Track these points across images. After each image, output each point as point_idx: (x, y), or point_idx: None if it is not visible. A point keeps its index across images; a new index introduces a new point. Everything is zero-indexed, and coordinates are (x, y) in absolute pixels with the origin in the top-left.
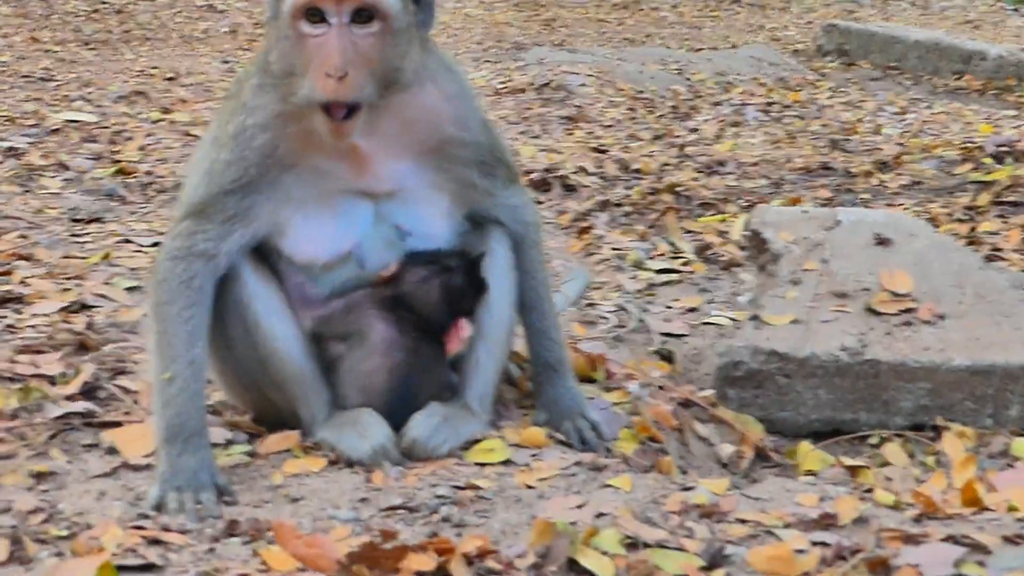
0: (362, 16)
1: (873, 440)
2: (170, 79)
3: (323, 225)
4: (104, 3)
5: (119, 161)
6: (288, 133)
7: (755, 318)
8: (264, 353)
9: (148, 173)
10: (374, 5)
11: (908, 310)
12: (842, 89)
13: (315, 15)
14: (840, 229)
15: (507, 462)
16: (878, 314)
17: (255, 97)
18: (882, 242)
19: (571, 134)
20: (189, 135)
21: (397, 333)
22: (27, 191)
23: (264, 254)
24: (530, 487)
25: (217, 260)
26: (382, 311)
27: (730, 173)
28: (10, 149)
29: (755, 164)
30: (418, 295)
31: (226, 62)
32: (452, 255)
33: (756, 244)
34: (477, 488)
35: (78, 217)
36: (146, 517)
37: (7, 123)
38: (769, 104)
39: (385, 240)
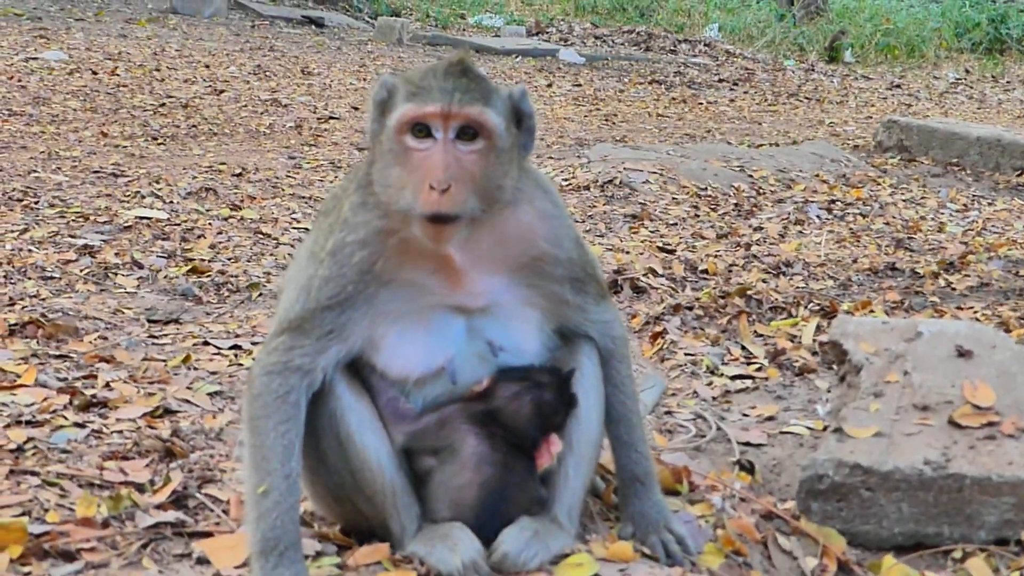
0: (467, 133)
1: (956, 554)
2: (238, 175)
3: (417, 341)
4: (171, 97)
5: (191, 259)
6: (387, 249)
7: (838, 430)
8: (356, 466)
9: (221, 272)
10: (480, 123)
11: (991, 423)
12: (903, 186)
13: (421, 130)
14: (921, 341)
15: None
16: (961, 427)
17: (355, 214)
18: (964, 354)
19: (636, 232)
20: (260, 232)
21: (489, 448)
22: (103, 290)
23: (357, 368)
24: None
25: (313, 375)
26: (474, 426)
27: (797, 274)
28: (85, 246)
29: (821, 264)
30: (510, 410)
31: (292, 158)
32: (544, 371)
33: (836, 355)
34: None
35: (155, 318)
36: None
37: (81, 219)
38: (831, 201)
39: (477, 355)
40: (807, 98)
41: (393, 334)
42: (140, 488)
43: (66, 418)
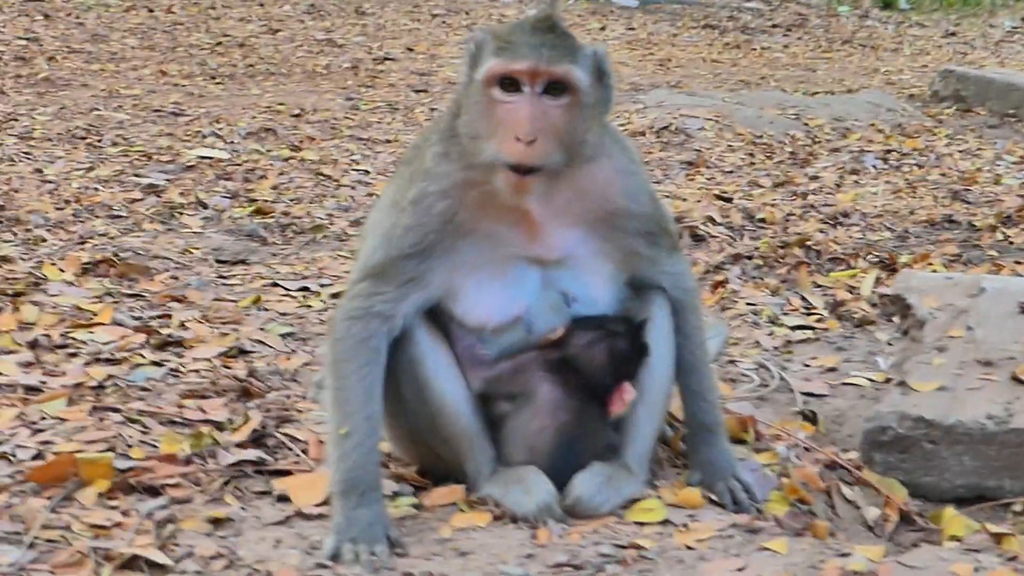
0: (555, 88)
1: (1017, 507)
2: (296, 115)
3: (494, 291)
4: (227, 36)
5: (255, 200)
6: (468, 200)
7: (902, 383)
8: (434, 409)
9: (285, 214)
10: (568, 79)
11: None
12: (959, 136)
13: (509, 84)
14: (984, 297)
15: (665, 522)
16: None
17: (437, 164)
18: None
19: (692, 179)
20: (320, 174)
21: (563, 394)
22: (170, 229)
23: (435, 315)
24: (690, 548)
25: (394, 321)
26: (549, 373)
27: (854, 225)
28: (150, 186)
29: (879, 216)
30: (584, 358)
31: (350, 99)
32: (617, 320)
33: (900, 309)
34: (639, 547)
35: (223, 258)
36: (323, 567)
37: (144, 158)
38: (887, 151)
39: (552, 305)
40: (861, 45)
41: (471, 284)
42: (219, 426)
43: (143, 356)
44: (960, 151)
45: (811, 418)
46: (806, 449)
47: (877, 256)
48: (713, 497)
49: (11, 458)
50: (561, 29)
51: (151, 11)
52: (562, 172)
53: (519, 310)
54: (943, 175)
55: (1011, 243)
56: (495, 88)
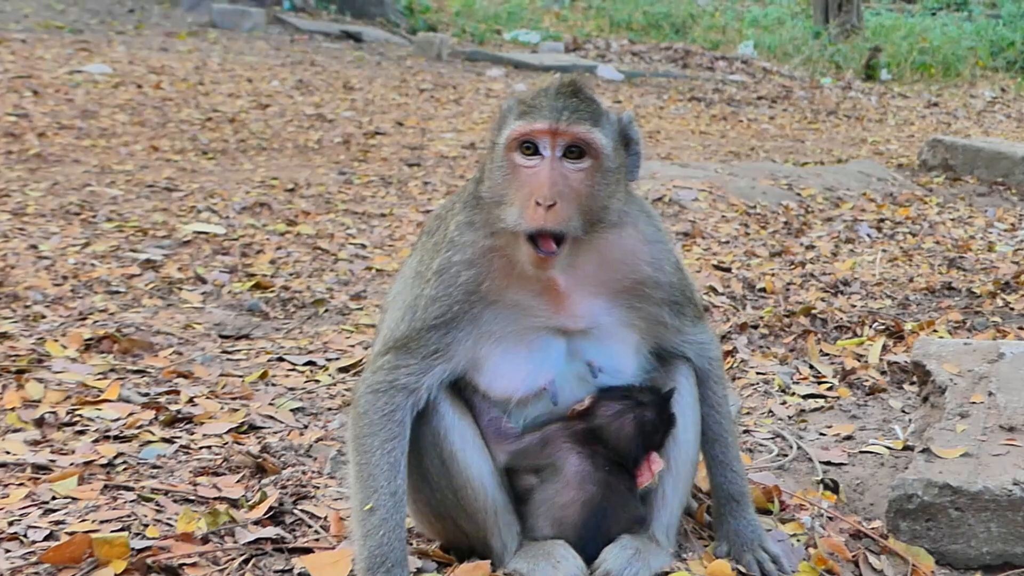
0: (574, 152)
1: None
2: (290, 190)
3: (519, 361)
4: (217, 111)
5: (253, 275)
6: (493, 270)
7: (925, 451)
8: (459, 484)
9: (285, 288)
10: (587, 142)
11: None
12: (950, 205)
13: (529, 147)
14: (1004, 362)
15: None
16: None
17: (462, 233)
18: None
19: (689, 250)
20: (317, 248)
21: (591, 466)
22: (170, 304)
23: (459, 388)
24: None
25: (419, 394)
26: (576, 444)
27: (855, 293)
28: (147, 261)
29: (878, 284)
30: (611, 429)
31: (343, 173)
32: (644, 390)
33: (919, 375)
34: None
35: (226, 333)
36: None
37: (140, 234)
38: (880, 220)
39: (577, 376)
40: (847, 116)
41: (496, 355)
42: (235, 504)
43: (153, 433)
44: (952, 219)
45: (832, 487)
46: (830, 518)
47: (882, 324)
48: (742, 568)
49: (23, 539)
50: (585, 94)
51: (140, 87)
52: (587, 239)
53: (544, 381)
54: (937, 243)
55: (1012, 309)
56: (516, 152)
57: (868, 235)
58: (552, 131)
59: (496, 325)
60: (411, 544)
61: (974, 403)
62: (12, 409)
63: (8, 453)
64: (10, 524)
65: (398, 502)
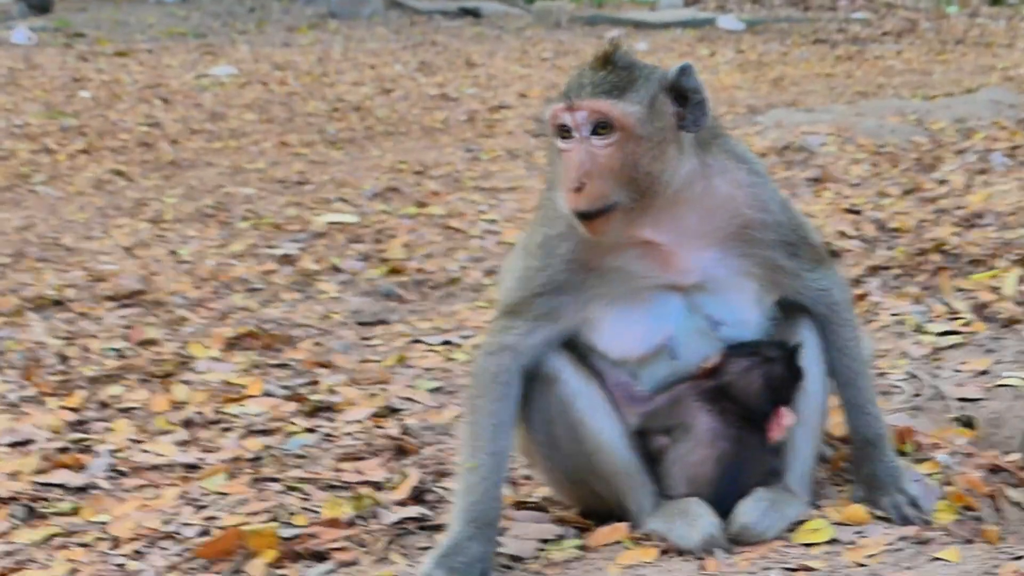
0: (603, 128)
1: None
2: (418, 172)
3: (635, 321)
4: (342, 101)
5: (387, 260)
6: (587, 240)
7: None
8: (590, 449)
9: (419, 270)
10: (607, 115)
11: None
12: None
13: (565, 130)
14: None
15: (833, 541)
16: None
17: (556, 209)
18: None
19: (819, 196)
20: (449, 227)
21: (721, 424)
22: (308, 297)
23: (583, 355)
24: (861, 565)
25: (523, 354)
26: (706, 403)
27: (989, 225)
28: (284, 256)
29: (1013, 214)
30: (740, 386)
31: (470, 150)
32: (771, 345)
33: None
34: (809, 569)
35: (363, 320)
36: None
37: (275, 229)
38: (1014, 148)
39: (698, 331)
40: (975, 44)
41: (610, 316)
42: (378, 486)
43: (296, 424)
44: None
45: (968, 423)
46: (967, 455)
47: (1017, 254)
48: (879, 512)
49: (177, 537)
50: (618, 63)
51: (265, 84)
52: (662, 201)
53: (663, 338)
54: None
55: None
56: (557, 137)
57: (1002, 164)
58: (569, 107)
59: (604, 288)
60: (550, 512)
61: None
62: (160, 413)
63: (159, 455)
64: (165, 523)
65: (499, 462)
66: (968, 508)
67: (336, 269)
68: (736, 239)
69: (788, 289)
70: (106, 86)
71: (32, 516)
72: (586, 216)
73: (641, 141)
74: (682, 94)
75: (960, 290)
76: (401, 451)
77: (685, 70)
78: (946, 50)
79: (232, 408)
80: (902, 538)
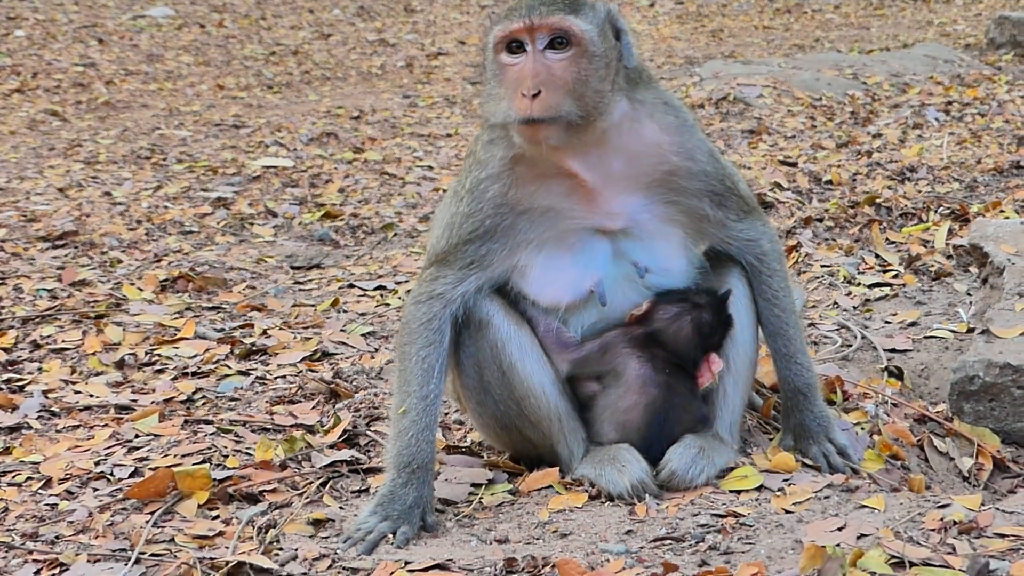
0: (558, 43)
1: None
2: (356, 118)
3: (563, 266)
4: (280, 45)
5: (323, 205)
6: (517, 178)
7: (985, 332)
8: (520, 394)
9: (354, 215)
10: (565, 30)
11: None
12: (1020, 82)
13: (515, 46)
14: None
15: (761, 488)
16: None
17: (485, 151)
18: None
19: (755, 147)
20: (385, 173)
21: (651, 370)
22: (242, 240)
23: (514, 302)
24: (788, 511)
25: (453, 302)
26: (635, 349)
27: (922, 178)
28: (219, 199)
29: (945, 168)
30: (670, 332)
31: (407, 96)
32: (700, 292)
33: (977, 257)
34: (738, 515)
35: (297, 264)
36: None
37: (210, 172)
38: (948, 103)
39: (625, 277)
40: None
41: (539, 262)
42: (311, 430)
43: (229, 367)
44: (1021, 96)
45: (897, 374)
46: (894, 405)
47: (948, 208)
48: (807, 461)
49: (109, 477)
50: None
51: (203, 27)
52: (599, 132)
53: (591, 283)
54: (1006, 122)
55: None
56: (503, 53)
57: (936, 119)
58: (529, 27)
59: (533, 232)
60: (482, 457)
61: None
62: (93, 353)
63: (92, 396)
64: (96, 464)
65: (429, 406)
66: (895, 457)
67: (271, 213)
68: (662, 186)
69: (715, 239)
70: (41, 25)
71: None
72: (533, 122)
73: (593, 59)
74: (618, 29)
75: (891, 243)
76: (334, 395)
77: (616, 11)
78: (884, 5)
79: (165, 350)
80: (829, 486)
